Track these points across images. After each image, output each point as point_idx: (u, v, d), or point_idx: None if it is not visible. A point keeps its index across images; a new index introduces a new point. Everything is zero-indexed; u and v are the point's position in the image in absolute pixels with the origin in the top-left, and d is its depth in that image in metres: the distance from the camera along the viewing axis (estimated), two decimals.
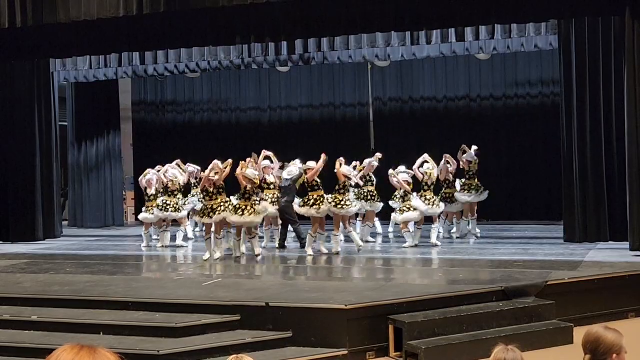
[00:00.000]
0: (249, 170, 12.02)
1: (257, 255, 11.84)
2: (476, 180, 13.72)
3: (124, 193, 19.04)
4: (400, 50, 14.71)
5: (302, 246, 12.51)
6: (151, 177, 13.86)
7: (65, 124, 18.17)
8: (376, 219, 14.30)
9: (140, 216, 14.16)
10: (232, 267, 11.44)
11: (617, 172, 12.25)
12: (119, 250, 13.91)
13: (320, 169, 12.19)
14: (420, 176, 12.95)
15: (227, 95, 18.84)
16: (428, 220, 13.11)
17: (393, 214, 13.24)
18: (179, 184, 13.90)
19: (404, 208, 12.65)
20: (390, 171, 13.34)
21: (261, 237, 13.35)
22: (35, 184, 15.29)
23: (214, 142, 18.10)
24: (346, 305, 7.99)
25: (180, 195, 13.96)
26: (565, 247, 12.12)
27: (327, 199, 12.04)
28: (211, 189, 11.83)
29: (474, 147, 13.93)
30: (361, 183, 13.53)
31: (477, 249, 12.68)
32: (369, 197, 13.62)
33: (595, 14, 12.12)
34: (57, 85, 16.35)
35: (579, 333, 3.86)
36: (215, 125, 18.86)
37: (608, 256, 10.98)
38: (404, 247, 12.60)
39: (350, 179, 12.36)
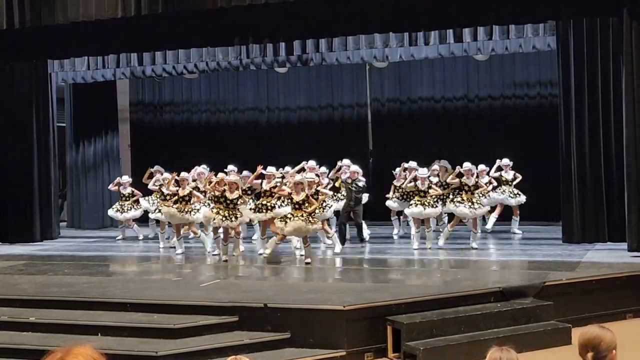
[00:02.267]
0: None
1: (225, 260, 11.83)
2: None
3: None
4: (398, 51, 14.70)
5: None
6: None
7: (64, 124, 18.15)
8: None
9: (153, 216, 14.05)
10: (230, 268, 11.43)
11: (615, 172, 12.26)
12: (117, 251, 13.89)
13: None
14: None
15: (225, 96, 18.81)
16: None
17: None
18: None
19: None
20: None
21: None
22: (33, 184, 15.25)
23: (212, 143, 18.08)
24: (344, 306, 7.99)
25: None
26: (564, 248, 12.12)
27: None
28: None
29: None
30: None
31: (476, 249, 12.67)
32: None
33: (593, 15, 12.13)
34: (55, 86, 16.30)
35: (577, 334, 3.87)
36: (213, 126, 18.83)
37: (606, 257, 10.99)
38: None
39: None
